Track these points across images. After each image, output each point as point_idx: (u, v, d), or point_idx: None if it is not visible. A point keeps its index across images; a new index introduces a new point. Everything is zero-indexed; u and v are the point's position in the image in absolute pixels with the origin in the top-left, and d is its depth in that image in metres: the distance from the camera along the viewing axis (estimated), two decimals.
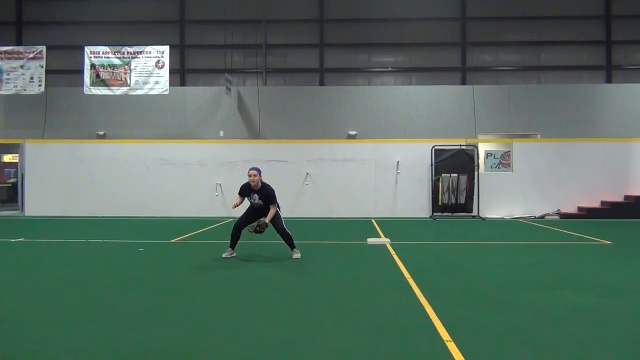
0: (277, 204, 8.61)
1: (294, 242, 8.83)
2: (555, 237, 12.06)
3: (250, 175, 8.46)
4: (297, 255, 8.74)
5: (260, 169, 8.61)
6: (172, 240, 11.01)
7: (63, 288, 6.51)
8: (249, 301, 5.77)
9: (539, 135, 18.02)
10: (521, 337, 4.44)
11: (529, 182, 17.12)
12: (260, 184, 8.52)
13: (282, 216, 8.75)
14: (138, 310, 5.37)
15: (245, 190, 8.60)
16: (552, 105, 18.00)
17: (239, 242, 8.79)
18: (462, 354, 3.99)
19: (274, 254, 9.03)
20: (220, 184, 17.24)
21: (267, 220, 8.45)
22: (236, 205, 8.62)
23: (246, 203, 8.81)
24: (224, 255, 8.73)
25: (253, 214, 8.76)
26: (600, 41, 20.29)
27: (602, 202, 16.95)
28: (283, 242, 8.82)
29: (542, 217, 16.79)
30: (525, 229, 14.00)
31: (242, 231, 8.71)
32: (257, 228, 8.45)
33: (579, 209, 17.01)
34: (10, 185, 19.65)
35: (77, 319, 5.04)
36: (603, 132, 17.69)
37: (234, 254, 8.77)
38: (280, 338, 4.45)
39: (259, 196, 8.53)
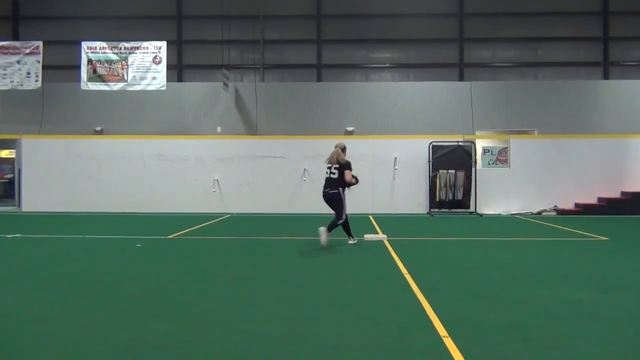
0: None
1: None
2: (552, 233, 12.08)
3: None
4: (352, 241, 9.73)
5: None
6: (170, 236, 11.00)
7: (60, 284, 6.51)
8: (245, 297, 5.77)
9: (536, 132, 18.05)
10: (518, 333, 4.46)
11: (526, 179, 17.14)
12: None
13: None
14: (135, 306, 5.37)
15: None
16: (549, 102, 18.03)
17: (235, 237, 8.84)
18: (459, 350, 4.00)
19: (271, 250, 9.03)
20: (217, 180, 17.21)
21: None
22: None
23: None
24: (350, 242, 9.70)
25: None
26: (597, 37, 20.29)
27: (599, 199, 16.99)
28: (277, 238, 8.92)
29: (539, 213, 16.82)
30: (522, 225, 14.02)
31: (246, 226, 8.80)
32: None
33: (576, 205, 17.05)
34: (6, 180, 19.59)
35: (74, 314, 5.04)
36: (600, 128, 17.73)
37: (355, 240, 9.76)
38: (277, 334, 4.45)
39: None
